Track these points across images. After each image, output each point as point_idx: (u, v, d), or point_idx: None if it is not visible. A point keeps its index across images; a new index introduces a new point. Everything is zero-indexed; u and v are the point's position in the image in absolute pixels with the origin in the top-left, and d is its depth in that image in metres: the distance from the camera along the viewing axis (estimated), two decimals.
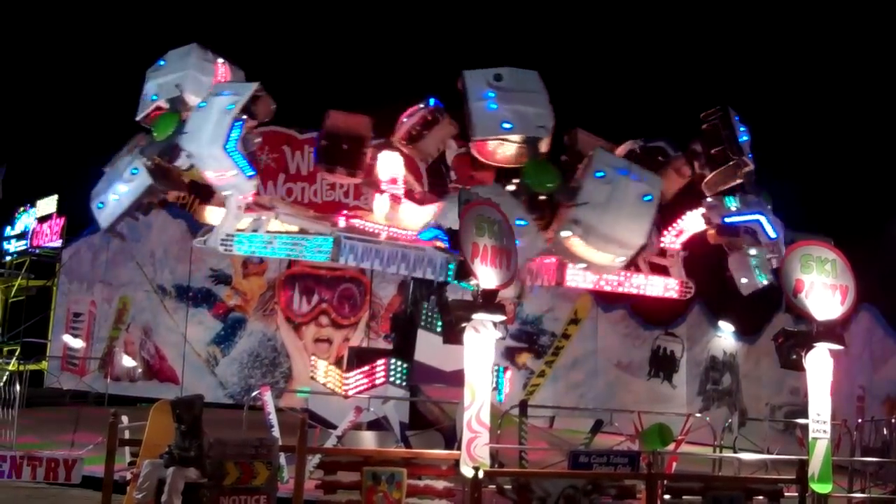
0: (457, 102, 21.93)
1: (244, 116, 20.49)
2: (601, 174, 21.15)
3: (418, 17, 55.46)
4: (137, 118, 21.88)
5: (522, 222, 20.74)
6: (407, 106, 22.95)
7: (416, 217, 22.49)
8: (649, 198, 21.18)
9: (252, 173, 20.69)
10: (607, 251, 21.36)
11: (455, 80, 21.65)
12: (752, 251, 22.68)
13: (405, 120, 22.89)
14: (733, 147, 22.47)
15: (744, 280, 23.04)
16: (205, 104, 20.70)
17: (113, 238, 22.58)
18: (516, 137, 21.31)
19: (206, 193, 22.12)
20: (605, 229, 21.09)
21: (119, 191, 21.26)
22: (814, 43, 50.34)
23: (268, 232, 21.53)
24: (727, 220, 22.92)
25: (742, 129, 22.83)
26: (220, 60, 21.62)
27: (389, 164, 22.50)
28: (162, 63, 22.01)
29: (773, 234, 22.52)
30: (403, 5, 56.57)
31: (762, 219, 22.68)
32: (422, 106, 22.81)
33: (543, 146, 21.78)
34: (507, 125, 20.96)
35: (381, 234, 21.82)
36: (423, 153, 23.16)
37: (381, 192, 22.27)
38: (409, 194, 22.75)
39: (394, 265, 21.49)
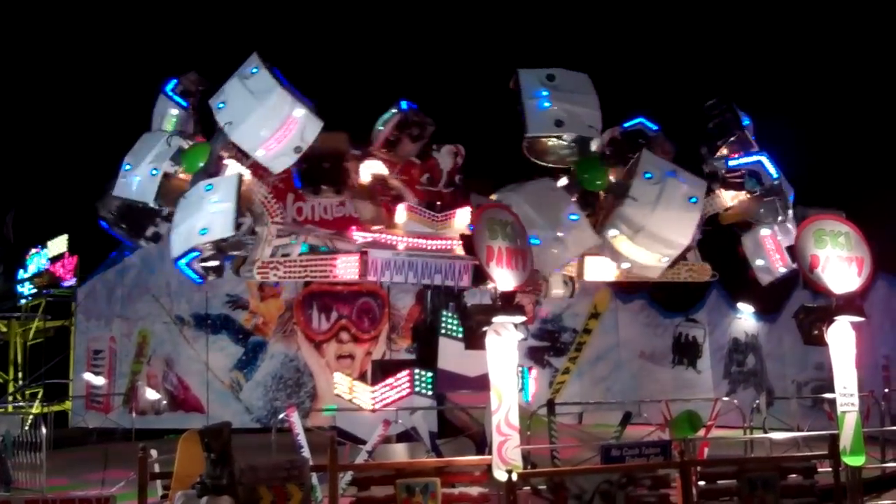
0: (430, 104, 22.00)
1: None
2: (649, 175, 21.01)
3: (392, 26, 55.47)
4: (153, 203, 21.85)
5: (575, 216, 20.75)
6: (378, 113, 23.10)
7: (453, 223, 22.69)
8: (695, 200, 21.04)
9: (312, 103, 20.60)
10: (654, 251, 21.22)
11: (506, 80, 21.69)
12: (764, 230, 22.61)
13: (381, 128, 23.01)
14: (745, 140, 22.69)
15: (759, 262, 22.97)
16: (223, 103, 20.69)
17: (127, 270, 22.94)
18: (568, 136, 21.22)
19: None
20: (653, 228, 20.83)
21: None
22: (816, 11, 50.27)
23: (302, 255, 21.64)
24: (730, 163, 22.73)
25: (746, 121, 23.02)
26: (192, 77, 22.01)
27: (372, 173, 22.85)
28: (127, 166, 22.05)
29: (775, 174, 22.37)
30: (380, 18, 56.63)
31: (764, 159, 22.56)
32: (394, 111, 22.87)
33: (594, 146, 21.83)
34: (220, 105, 20.41)
35: (398, 245, 22.00)
36: (401, 157, 23.39)
37: (378, 202, 22.60)
38: (431, 203, 22.90)
39: (417, 276, 21.69)
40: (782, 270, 22.89)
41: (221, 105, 20.18)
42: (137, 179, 21.10)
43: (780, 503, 17.02)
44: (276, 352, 37.68)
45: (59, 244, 40.24)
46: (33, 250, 41.75)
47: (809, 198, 22.05)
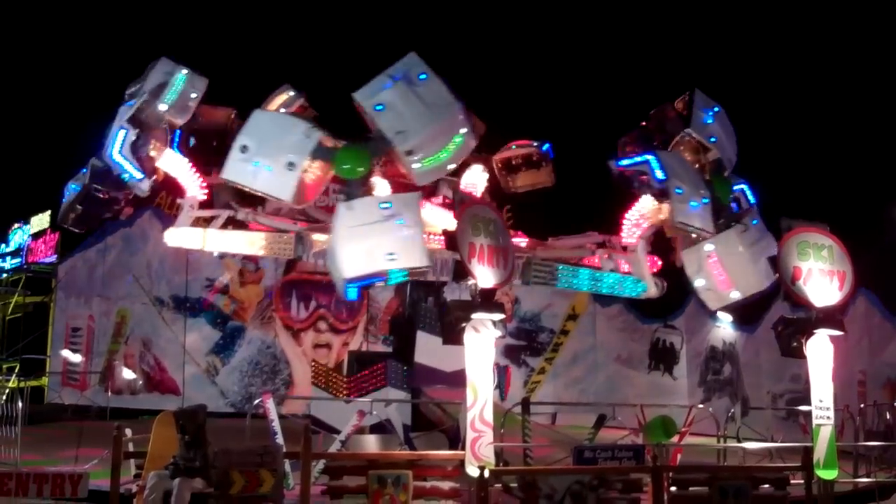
0: None
1: (128, 123, 20.45)
2: (386, 206, 19.47)
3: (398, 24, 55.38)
4: None
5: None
6: None
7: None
8: (392, 257, 18.89)
9: (141, 176, 20.35)
10: (329, 264, 20.09)
11: None
12: (707, 246, 21.85)
13: None
14: (685, 119, 21.91)
15: (699, 282, 22.15)
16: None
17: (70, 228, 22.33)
18: (380, 125, 19.85)
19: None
20: (337, 242, 19.46)
21: (72, 185, 21.42)
22: (807, 27, 50.43)
23: (221, 228, 21.50)
24: (618, 163, 21.78)
25: (710, 112, 22.34)
26: (185, 70, 21.21)
27: None
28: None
29: (661, 176, 20.82)
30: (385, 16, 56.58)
31: (651, 158, 21.13)
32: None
33: (393, 152, 20.21)
34: (378, 107, 19.79)
35: None
36: None
37: None
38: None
39: None
40: (734, 295, 21.99)
41: (380, 107, 19.75)
42: (267, 169, 19.76)
43: None
44: (253, 337, 37.61)
45: (41, 220, 40.03)
46: (15, 225, 41.54)
47: (795, 211, 22.10)
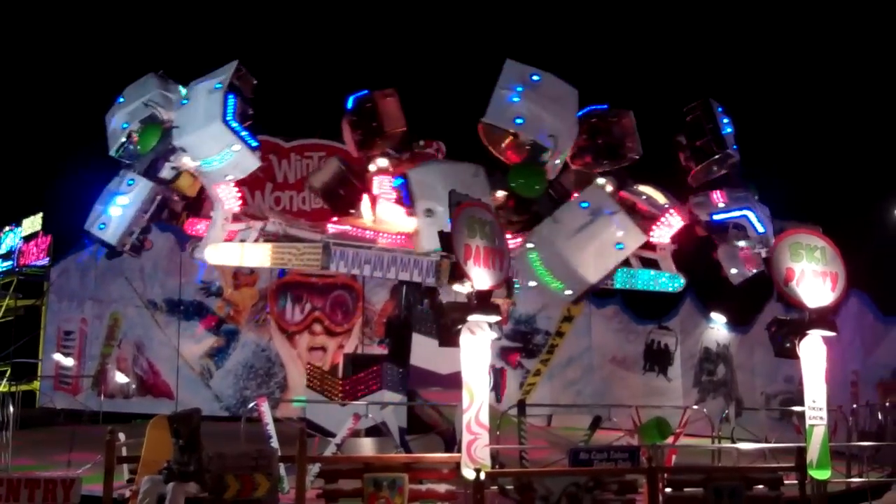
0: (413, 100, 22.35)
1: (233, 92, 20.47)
2: (585, 205, 21.16)
3: (404, 23, 55.35)
4: (111, 152, 21.65)
5: None
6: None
7: (405, 220, 22.49)
8: (620, 246, 21.15)
9: (256, 144, 20.49)
10: (558, 279, 21.26)
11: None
12: (741, 242, 22.58)
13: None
14: (717, 138, 22.44)
15: (733, 270, 23.01)
16: (187, 100, 20.71)
17: (128, 255, 22.05)
18: (524, 137, 20.94)
19: (195, 205, 22.28)
20: (565, 254, 20.89)
21: (120, 202, 20.93)
22: (797, 30, 50.47)
23: (256, 241, 21.58)
24: (715, 216, 22.82)
25: (725, 120, 22.70)
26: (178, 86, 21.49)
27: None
28: (121, 99, 21.72)
29: (761, 229, 22.35)
30: (386, 14, 56.49)
31: (750, 214, 22.51)
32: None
33: (547, 157, 21.34)
34: (518, 121, 20.61)
35: (376, 240, 21.94)
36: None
37: None
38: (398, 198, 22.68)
39: (382, 270, 21.62)
40: (754, 271, 22.97)
41: (520, 120, 20.63)
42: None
43: None
44: (247, 341, 37.55)
45: (33, 223, 39.96)
46: (7, 228, 41.48)
47: (788, 212, 22.16)
